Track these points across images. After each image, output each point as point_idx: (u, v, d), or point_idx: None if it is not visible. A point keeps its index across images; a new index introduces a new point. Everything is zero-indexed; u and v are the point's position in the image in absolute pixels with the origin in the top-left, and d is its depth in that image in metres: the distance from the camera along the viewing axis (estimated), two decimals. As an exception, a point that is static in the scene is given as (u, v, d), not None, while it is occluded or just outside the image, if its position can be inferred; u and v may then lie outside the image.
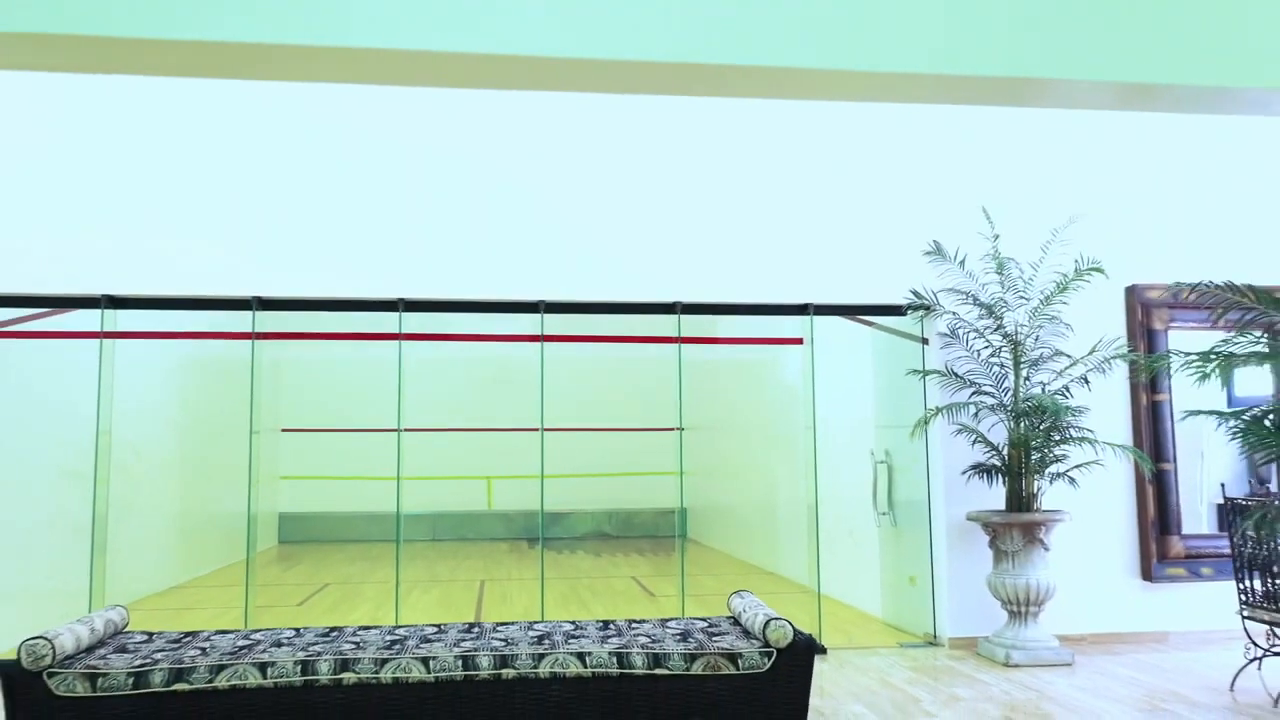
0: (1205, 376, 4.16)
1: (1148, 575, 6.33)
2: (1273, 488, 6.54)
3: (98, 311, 5.86)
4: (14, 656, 3.71)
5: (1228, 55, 3.93)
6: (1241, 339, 4.23)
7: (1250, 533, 4.73)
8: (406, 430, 6.19)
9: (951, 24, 3.72)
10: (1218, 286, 4.27)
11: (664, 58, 3.46)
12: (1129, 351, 6.29)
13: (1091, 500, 6.24)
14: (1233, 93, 4.01)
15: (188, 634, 4.33)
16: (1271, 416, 4.09)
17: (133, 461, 6.50)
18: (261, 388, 6.18)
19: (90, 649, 3.97)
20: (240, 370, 6.14)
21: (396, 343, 6.13)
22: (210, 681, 3.73)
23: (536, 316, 6.25)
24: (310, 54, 3.40)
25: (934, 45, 3.65)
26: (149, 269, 5.77)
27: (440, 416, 10.84)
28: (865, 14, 3.69)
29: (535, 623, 4.54)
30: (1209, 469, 6.57)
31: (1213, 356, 4.19)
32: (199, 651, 3.97)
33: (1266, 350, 4.17)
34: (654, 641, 4.12)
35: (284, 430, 11.28)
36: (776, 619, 4.08)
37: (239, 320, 6.05)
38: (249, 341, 6.03)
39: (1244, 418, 4.12)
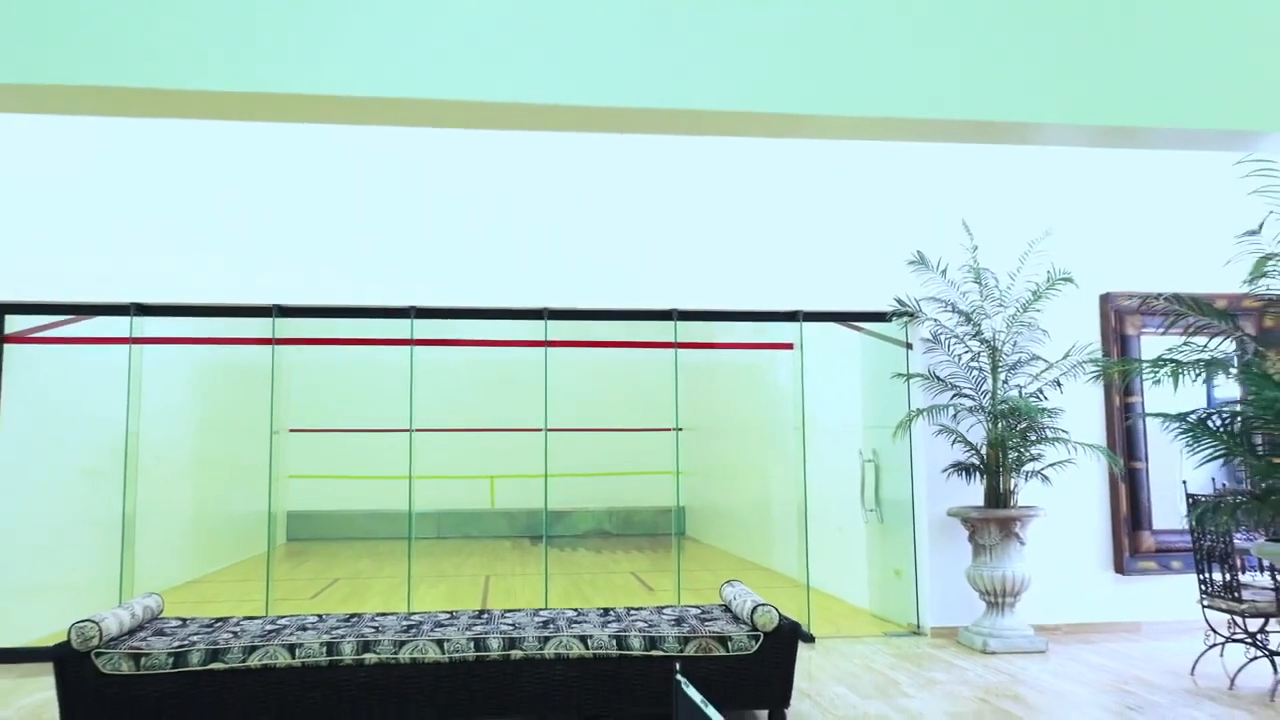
0: (1157, 382, 4.50)
1: (1120, 568, 6.67)
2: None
3: (127, 319, 6.19)
4: (56, 642, 4.06)
5: (1198, 99, 4.20)
6: (1185, 348, 4.57)
7: (1199, 526, 5.06)
8: (418, 430, 6.52)
9: (933, 71, 4.03)
10: (1166, 298, 4.61)
11: (654, 104, 3.80)
12: (1103, 358, 6.62)
13: (1067, 497, 6.57)
14: (1200, 134, 4.27)
15: (219, 619, 4.68)
16: (1214, 419, 4.42)
17: (154, 465, 6.80)
18: (278, 390, 6.51)
19: (131, 632, 4.32)
20: (253, 374, 6.46)
21: (408, 348, 6.47)
22: (244, 661, 4.07)
23: (541, 323, 6.59)
24: (326, 102, 3.76)
25: (915, 91, 3.95)
26: (176, 279, 6.11)
27: (446, 418, 11.12)
28: (850, 62, 4.00)
29: (540, 610, 4.87)
30: (1188, 467, 6.87)
31: (1161, 363, 4.53)
32: (231, 635, 4.31)
33: (1210, 358, 4.50)
34: (650, 626, 4.46)
35: (292, 430, 11.56)
36: (763, 605, 4.42)
37: (260, 327, 6.39)
38: (269, 347, 6.37)
39: (1188, 419, 4.46)
